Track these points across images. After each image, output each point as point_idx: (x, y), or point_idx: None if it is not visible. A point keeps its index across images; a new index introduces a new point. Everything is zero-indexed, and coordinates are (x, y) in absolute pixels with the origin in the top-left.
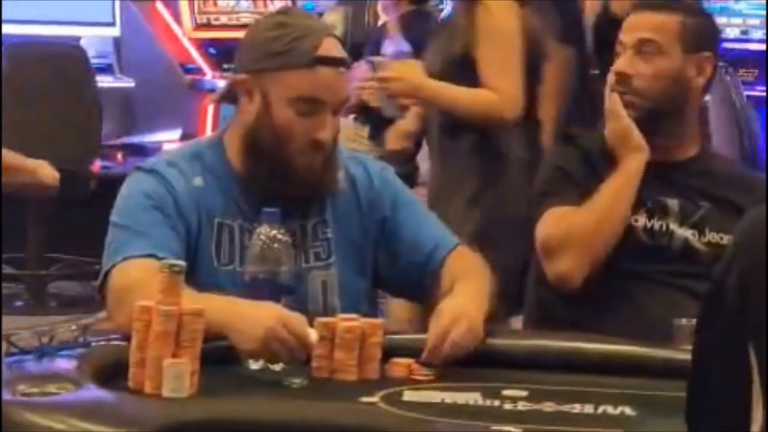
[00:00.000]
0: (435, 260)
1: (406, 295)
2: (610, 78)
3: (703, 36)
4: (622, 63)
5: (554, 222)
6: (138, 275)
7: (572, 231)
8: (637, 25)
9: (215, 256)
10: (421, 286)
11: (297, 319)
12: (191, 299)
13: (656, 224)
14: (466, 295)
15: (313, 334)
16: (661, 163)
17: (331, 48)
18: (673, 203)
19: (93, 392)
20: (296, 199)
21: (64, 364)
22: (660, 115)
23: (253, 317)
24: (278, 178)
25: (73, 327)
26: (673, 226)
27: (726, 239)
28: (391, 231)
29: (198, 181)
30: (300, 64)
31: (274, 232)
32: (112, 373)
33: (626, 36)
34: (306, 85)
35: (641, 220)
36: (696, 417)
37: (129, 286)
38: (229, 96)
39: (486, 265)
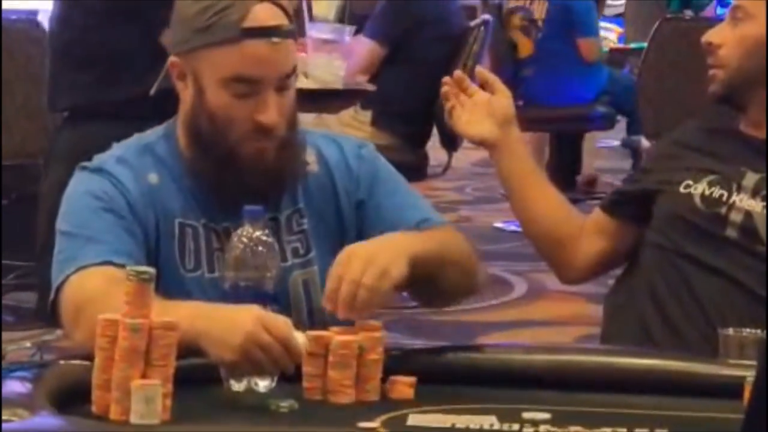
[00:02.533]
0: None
1: None
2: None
3: None
4: (708, 33)
5: None
6: (96, 286)
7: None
8: None
9: (180, 262)
10: None
11: (280, 321)
12: (158, 308)
13: (716, 192)
14: (392, 237)
15: (300, 338)
16: (757, 138)
17: (263, 16)
18: (752, 176)
19: (50, 419)
20: (259, 190)
21: (17, 387)
22: (747, 84)
23: (229, 322)
24: (226, 169)
25: (28, 344)
26: (736, 197)
27: None
28: (370, 214)
29: (153, 177)
30: (224, 40)
31: (258, 233)
32: (72, 396)
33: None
34: (234, 63)
35: (700, 188)
36: None
37: (87, 298)
38: (168, 81)
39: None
